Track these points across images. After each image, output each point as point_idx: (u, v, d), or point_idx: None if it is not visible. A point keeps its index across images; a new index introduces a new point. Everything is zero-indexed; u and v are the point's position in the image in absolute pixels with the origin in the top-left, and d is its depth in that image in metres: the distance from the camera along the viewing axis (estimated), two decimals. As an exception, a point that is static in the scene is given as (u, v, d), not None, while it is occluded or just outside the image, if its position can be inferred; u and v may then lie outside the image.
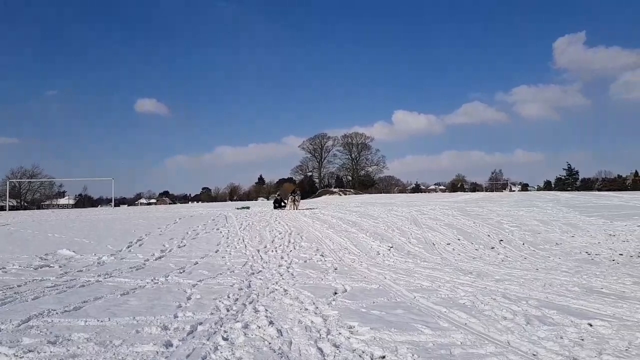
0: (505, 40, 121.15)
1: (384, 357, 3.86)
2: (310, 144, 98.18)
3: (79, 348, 4.09)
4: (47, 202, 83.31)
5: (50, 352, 4.01)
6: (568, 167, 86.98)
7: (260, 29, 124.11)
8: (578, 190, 63.48)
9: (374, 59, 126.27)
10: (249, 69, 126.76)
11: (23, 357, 3.89)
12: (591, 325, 4.62)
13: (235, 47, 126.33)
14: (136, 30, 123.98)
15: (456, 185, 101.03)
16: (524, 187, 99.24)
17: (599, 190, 70.38)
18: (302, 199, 27.01)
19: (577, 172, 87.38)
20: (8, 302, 5.91)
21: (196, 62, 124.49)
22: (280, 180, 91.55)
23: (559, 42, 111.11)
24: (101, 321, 5.00)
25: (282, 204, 22.88)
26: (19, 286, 7.09)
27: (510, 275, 7.81)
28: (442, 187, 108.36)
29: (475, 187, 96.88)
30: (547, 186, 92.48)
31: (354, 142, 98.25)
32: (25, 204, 77.82)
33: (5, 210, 51.44)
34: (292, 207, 21.01)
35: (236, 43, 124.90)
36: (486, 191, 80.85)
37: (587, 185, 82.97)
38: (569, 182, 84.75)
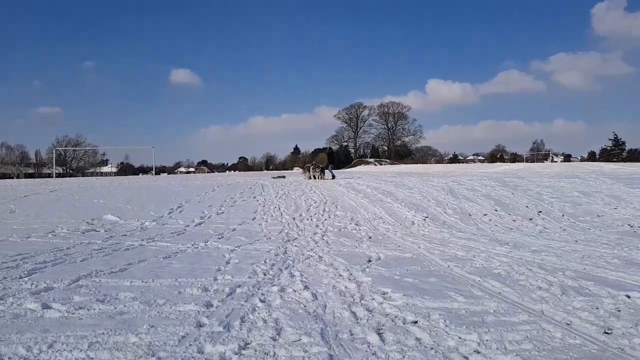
0: (539, 7, 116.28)
1: (416, 322, 3.93)
2: (346, 114, 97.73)
3: (125, 306, 4.34)
4: (91, 170, 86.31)
5: (99, 309, 4.26)
6: (614, 138, 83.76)
7: (293, 0, 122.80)
8: (624, 162, 61.18)
9: (406, 27, 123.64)
10: (280, 40, 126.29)
11: (74, 313, 4.16)
12: (629, 297, 4.55)
13: (266, 17, 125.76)
14: (169, 1, 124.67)
15: (495, 156, 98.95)
16: (567, 158, 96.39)
17: (647, 161, 67.63)
18: (336, 168, 26.77)
19: (623, 143, 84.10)
20: (59, 263, 6.26)
21: (228, 33, 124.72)
22: (315, 150, 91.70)
23: (597, 7, 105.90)
24: (145, 282, 5.26)
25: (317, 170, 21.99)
26: (67, 248, 7.48)
27: (548, 247, 7.71)
28: (480, 157, 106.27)
29: (515, 158, 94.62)
30: (592, 157, 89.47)
31: (390, 111, 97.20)
32: (71, 171, 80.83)
33: (52, 177, 53.60)
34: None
35: (267, 14, 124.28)
36: (527, 162, 78.91)
37: (634, 156, 79.71)
38: (614, 152, 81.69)
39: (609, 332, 3.67)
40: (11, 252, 6.98)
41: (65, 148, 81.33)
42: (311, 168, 21.70)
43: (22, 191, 16.34)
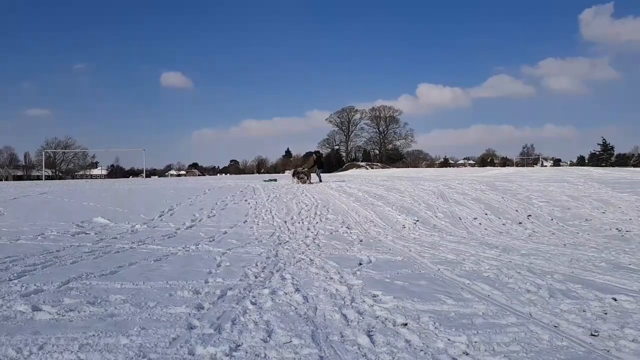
0: (528, 12, 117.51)
1: (406, 324, 3.97)
2: (338, 117, 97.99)
3: (116, 308, 4.33)
4: (81, 173, 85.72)
5: (90, 311, 4.25)
6: (603, 142, 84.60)
7: (284, 3, 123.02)
8: (613, 166, 61.84)
9: (396, 31, 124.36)
10: (271, 43, 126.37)
11: (65, 315, 4.15)
12: (615, 300, 4.62)
13: (258, 20, 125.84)
14: (160, 3, 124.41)
15: (486, 160, 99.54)
16: (556, 163, 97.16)
17: (635, 166, 68.38)
18: (327, 172, 26.80)
19: (612, 148, 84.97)
20: (48, 266, 6.23)
21: (220, 35, 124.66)
22: (307, 153, 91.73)
23: (585, 13, 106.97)
24: (136, 285, 5.25)
25: (301, 176, 21.74)
26: (57, 251, 7.45)
27: (537, 250, 7.79)
28: (471, 161, 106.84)
29: (505, 162, 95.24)
30: (581, 162, 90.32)
31: (381, 115, 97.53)
32: (60, 173, 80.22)
33: (42, 179, 53.17)
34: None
35: (259, 16, 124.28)
36: (517, 166, 79.46)
37: (623, 161, 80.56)
38: (603, 157, 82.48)
39: (596, 334, 3.73)
40: (0, 254, 6.93)
41: (54, 150, 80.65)
42: (295, 172, 21.64)
43: (11, 193, 16.19)
